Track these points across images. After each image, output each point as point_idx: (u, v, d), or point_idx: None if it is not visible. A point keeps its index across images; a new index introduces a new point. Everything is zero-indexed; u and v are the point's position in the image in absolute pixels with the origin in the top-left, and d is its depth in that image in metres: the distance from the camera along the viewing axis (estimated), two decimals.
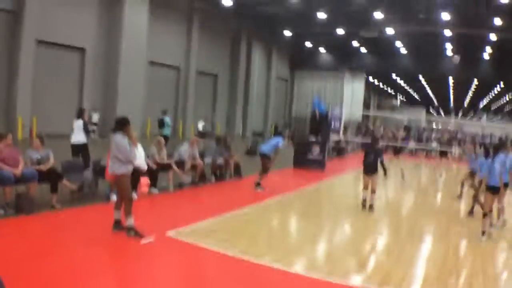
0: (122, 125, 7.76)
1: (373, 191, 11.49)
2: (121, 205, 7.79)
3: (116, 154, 7.59)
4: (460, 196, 14.14)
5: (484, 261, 7.76)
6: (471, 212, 11.79)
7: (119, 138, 7.62)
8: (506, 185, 9.69)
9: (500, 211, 10.42)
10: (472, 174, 13.08)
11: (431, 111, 78.28)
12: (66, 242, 7.12)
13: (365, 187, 11.58)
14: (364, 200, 11.59)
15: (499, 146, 10.35)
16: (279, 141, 13.74)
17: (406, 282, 6.50)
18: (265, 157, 13.53)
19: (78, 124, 12.53)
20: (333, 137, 26.00)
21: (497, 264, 7.82)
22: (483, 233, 9.25)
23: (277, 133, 15.45)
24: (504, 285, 6.86)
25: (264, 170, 13.52)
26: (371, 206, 11.43)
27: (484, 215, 9.39)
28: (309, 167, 18.75)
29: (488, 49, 34.13)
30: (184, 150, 12.90)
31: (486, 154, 10.44)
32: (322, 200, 13.34)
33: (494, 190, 9.43)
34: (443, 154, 24.65)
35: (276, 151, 13.57)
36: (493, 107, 69.25)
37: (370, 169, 11.48)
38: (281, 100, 46.07)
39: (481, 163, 10.59)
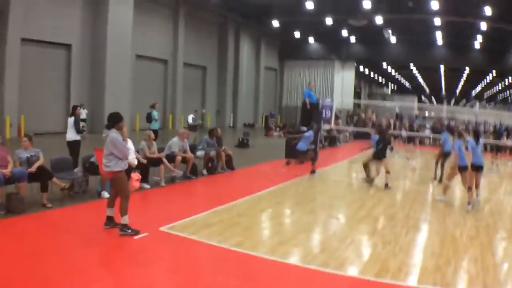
0: (116, 121, 7.64)
1: (387, 172, 13.40)
2: (114, 203, 7.71)
3: (112, 151, 7.43)
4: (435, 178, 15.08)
5: (483, 250, 7.68)
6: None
7: (115, 135, 7.48)
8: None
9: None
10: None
11: (423, 99, 78.38)
12: (59, 241, 7.05)
13: (367, 167, 13.81)
14: (368, 177, 13.76)
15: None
16: (310, 133, 16.19)
17: (404, 272, 6.46)
18: (304, 153, 16.20)
19: (70, 122, 12.62)
20: (325, 127, 25.91)
21: (495, 253, 7.72)
22: (469, 203, 10.89)
23: (307, 127, 17.02)
24: (503, 273, 6.79)
25: (313, 158, 15.91)
26: (386, 185, 13.23)
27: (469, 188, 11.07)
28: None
29: (479, 38, 33.99)
30: (174, 143, 12.80)
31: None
32: (316, 190, 13.26)
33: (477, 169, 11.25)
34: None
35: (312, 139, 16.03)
36: (486, 95, 69.40)
37: (380, 155, 13.56)
38: (271, 90, 45.93)
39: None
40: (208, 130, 15.10)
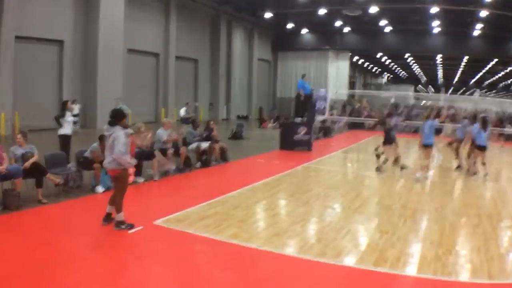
0: (120, 117, 7.54)
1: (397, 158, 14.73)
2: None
3: (120, 149, 7.30)
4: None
5: (486, 239, 7.59)
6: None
7: (119, 134, 7.36)
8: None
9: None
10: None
11: (421, 88, 78.40)
12: (55, 236, 7.03)
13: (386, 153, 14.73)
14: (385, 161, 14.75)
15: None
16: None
17: (402, 262, 6.40)
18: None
19: (67, 117, 12.56)
20: (319, 117, 25.87)
21: (500, 242, 7.62)
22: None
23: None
24: (509, 263, 6.71)
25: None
26: (403, 166, 14.40)
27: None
28: (296, 149, 18.58)
29: (479, 25, 33.60)
30: (160, 134, 12.70)
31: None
32: (311, 181, 13.19)
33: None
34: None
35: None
36: (487, 82, 69.23)
37: (389, 141, 14.34)
38: (265, 82, 45.81)
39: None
40: (194, 122, 14.97)
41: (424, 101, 42.41)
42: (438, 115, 15.80)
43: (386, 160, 14.60)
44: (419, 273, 6.05)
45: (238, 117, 39.18)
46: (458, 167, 15.29)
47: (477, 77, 64.33)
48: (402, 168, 14.33)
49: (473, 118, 15.53)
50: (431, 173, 13.73)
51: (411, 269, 6.20)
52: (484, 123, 14.34)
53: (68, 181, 10.15)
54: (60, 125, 12.32)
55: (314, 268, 6.18)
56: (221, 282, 5.69)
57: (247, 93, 42.04)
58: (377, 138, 22.51)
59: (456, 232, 8.11)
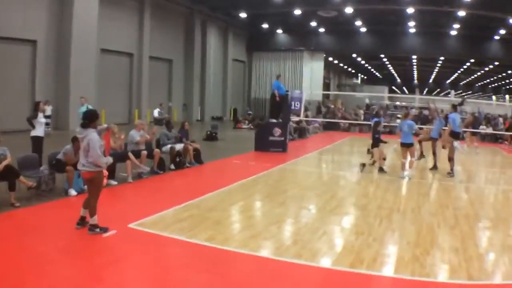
0: (93, 119, 7.45)
1: (384, 159, 15.04)
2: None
3: (96, 151, 7.20)
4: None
5: (464, 240, 7.62)
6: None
7: (92, 136, 7.24)
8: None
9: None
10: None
11: (395, 89, 79.12)
12: (28, 240, 6.87)
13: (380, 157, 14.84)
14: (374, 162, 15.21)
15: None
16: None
17: (379, 263, 6.41)
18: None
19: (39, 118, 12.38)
20: (294, 118, 25.90)
21: (479, 243, 7.66)
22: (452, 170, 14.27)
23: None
24: (489, 264, 6.74)
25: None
26: (381, 169, 14.51)
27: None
28: (271, 150, 18.57)
29: (456, 26, 33.75)
30: (132, 135, 12.61)
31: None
32: (286, 182, 13.16)
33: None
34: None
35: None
36: (463, 83, 69.94)
37: (377, 144, 14.77)
38: (239, 83, 45.71)
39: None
40: (169, 123, 14.87)
41: (398, 102, 42.88)
42: (421, 117, 16.07)
43: (374, 161, 14.87)
44: (396, 273, 6.06)
45: (213, 118, 39.04)
46: (434, 167, 15.41)
47: (452, 77, 65.11)
48: (380, 171, 14.39)
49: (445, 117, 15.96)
50: (407, 173, 13.79)
51: (388, 270, 6.21)
52: (454, 107, 15.02)
53: (40, 184, 9.93)
54: (32, 126, 12.12)
55: (290, 269, 6.15)
56: (197, 285, 5.62)
57: (221, 94, 41.90)
58: (353, 139, 22.85)
59: (433, 232, 8.10)
